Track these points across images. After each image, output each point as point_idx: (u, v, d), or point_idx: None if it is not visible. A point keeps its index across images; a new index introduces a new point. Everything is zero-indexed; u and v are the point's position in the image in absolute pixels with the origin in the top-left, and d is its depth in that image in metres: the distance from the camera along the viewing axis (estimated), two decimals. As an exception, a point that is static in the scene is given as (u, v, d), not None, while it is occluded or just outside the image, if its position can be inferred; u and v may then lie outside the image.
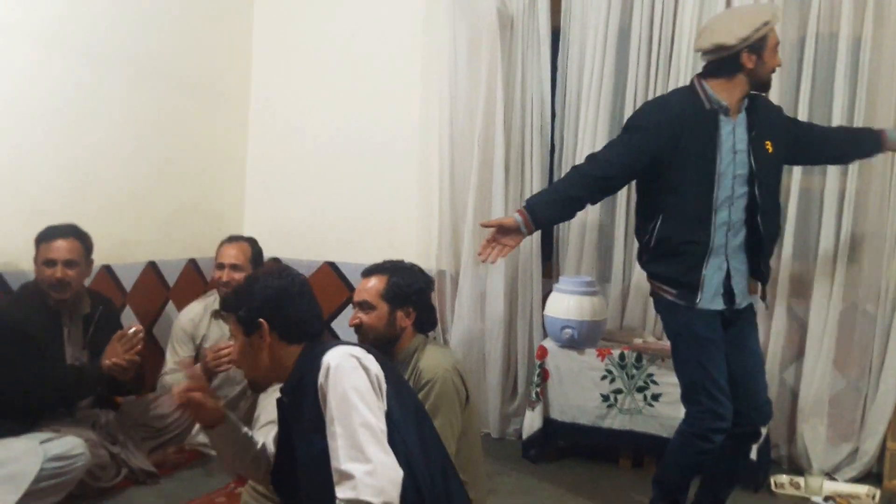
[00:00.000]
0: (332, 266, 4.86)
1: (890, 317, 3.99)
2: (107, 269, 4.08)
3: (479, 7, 4.48)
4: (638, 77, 4.31)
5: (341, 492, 2.00)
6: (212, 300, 4.12)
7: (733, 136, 3.06)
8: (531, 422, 4.16)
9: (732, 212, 3.06)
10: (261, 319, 2.24)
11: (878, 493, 3.77)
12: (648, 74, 4.31)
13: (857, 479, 3.98)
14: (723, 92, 3.06)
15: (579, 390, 4.06)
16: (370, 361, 2.16)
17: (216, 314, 4.03)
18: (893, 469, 3.89)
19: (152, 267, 4.40)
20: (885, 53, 3.98)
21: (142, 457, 3.62)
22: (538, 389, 4.14)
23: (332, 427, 2.06)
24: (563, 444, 4.24)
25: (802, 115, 4.05)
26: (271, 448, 2.46)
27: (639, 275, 4.31)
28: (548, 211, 3.12)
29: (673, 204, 3.08)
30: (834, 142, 3.34)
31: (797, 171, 4.09)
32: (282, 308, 2.27)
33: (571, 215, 3.31)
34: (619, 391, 4.00)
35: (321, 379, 2.11)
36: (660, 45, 4.27)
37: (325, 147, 4.94)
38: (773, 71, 3.09)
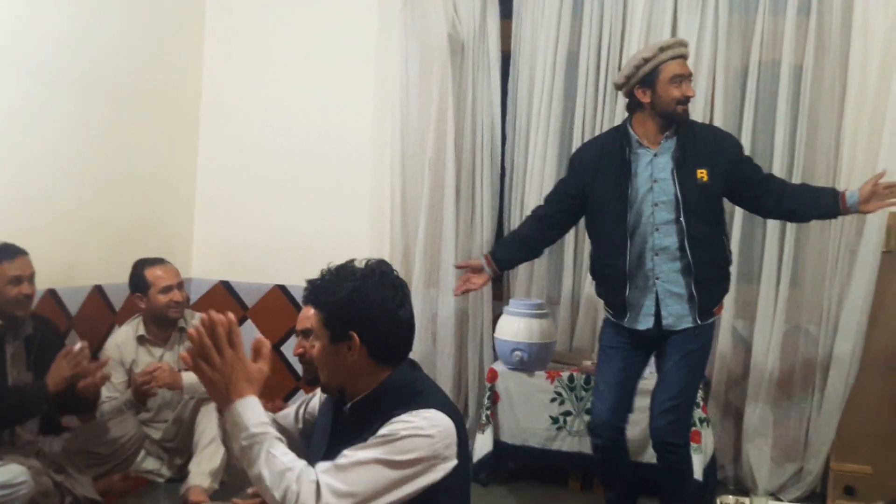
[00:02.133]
0: (282, 289, 4.83)
1: (832, 337, 4.07)
2: (51, 293, 4.00)
3: (431, 31, 4.51)
4: (586, 101, 4.38)
5: (308, 473, 1.86)
6: (135, 323, 4.06)
7: (652, 166, 3.24)
8: (482, 445, 4.17)
9: (658, 238, 3.21)
10: (352, 332, 1.98)
11: (821, 512, 3.85)
12: (597, 99, 4.38)
13: (802, 499, 4.06)
14: (639, 125, 3.29)
15: (529, 413, 4.08)
16: (447, 441, 1.94)
17: (142, 340, 4.00)
18: (837, 489, 3.96)
19: (98, 291, 4.33)
20: (825, 82, 4.08)
21: (87, 484, 3.55)
22: (488, 412, 4.15)
23: (358, 450, 1.90)
24: (513, 467, 4.26)
25: (746, 143, 4.13)
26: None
27: (587, 297, 4.37)
28: (506, 252, 3.35)
29: (597, 231, 3.37)
30: (788, 198, 3.31)
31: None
32: (378, 325, 1.99)
33: (531, 254, 3.58)
34: (568, 413, 4.03)
35: (397, 419, 1.92)
36: (608, 70, 4.34)
37: (276, 167, 4.92)
38: (681, 102, 3.22)
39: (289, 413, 2.46)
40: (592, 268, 3.47)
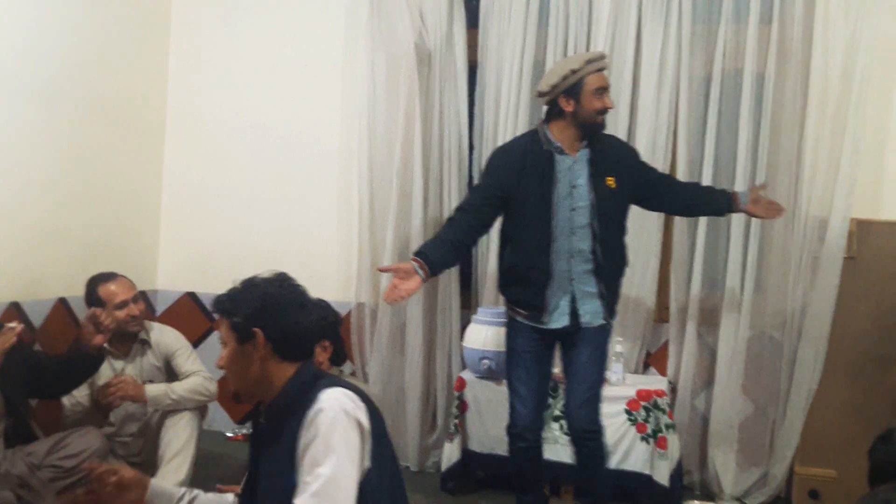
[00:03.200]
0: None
1: (795, 343, 4.11)
2: (14, 306, 3.97)
3: (398, 40, 4.52)
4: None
5: None
6: None
7: (570, 172, 3.40)
8: (450, 454, 4.17)
9: (575, 241, 3.39)
10: (256, 329, 2.14)
11: (786, 516, 3.88)
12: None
13: (767, 504, 4.09)
14: (558, 133, 3.43)
15: (497, 421, 4.06)
16: (363, 415, 2.09)
17: (105, 352, 3.95)
18: (801, 493, 4.00)
19: (63, 303, 4.29)
20: (787, 90, 4.13)
21: (50, 499, 3.51)
22: (457, 421, 4.16)
23: (311, 470, 2.00)
24: (481, 476, 4.26)
25: (709, 150, 4.19)
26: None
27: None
28: (437, 255, 3.36)
29: (518, 234, 3.45)
30: (686, 194, 3.65)
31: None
32: (281, 320, 2.16)
33: (459, 259, 3.62)
34: (536, 421, 4.04)
35: (311, 415, 2.04)
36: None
37: (243, 177, 4.91)
38: (601, 112, 3.39)
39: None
40: (510, 270, 3.50)
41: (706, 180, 4.19)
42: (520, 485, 3.65)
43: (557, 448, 4.00)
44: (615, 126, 4.28)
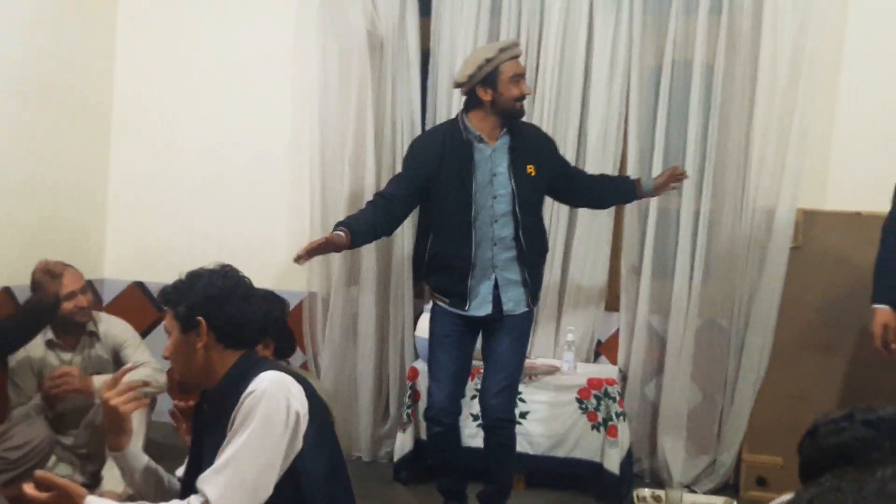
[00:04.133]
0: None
1: (743, 332, 4.17)
2: (-44, 296, 3.89)
3: (349, 28, 4.48)
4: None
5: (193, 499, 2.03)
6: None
7: (490, 160, 3.45)
8: (402, 443, 4.17)
9: (497, 229, 3.44)
10: (200, 318, 2.17)
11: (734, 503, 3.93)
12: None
13: (716, 491, 4.14)
14: (477, 122, 3.47)
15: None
16: (297, 399, 2.11)
17: (51, 344, 3.90)
18: (749, 480, 4.06)
19: (7, 293, 4.21)
20: (736, 80, 4.17)
21: (-5, 490, 3.46)
22: (409, 411, 4.16)
23: (225, 444, 2.06)
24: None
25: (659, 140, 4.22)
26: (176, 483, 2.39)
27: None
28: (360, 228, 3.42)
29: (439, 222, 3.52)
30: (596, 187, 3.72)
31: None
32: (223, 309, 2.19)
33: (371, 240, 3.65)
34: (487, 410, 4.05)
35: (243, 397, 2.07)
36: (525, 66, 4.35)
37: (192, 166, 4.84)
38: (519, 99, 3.43)
39: None
40: (433, 258, 3.55)
41: (656, 169, 4.22)
42: (438, 468, 3.73)
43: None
44: (567, 117, 4.30)
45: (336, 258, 4.50)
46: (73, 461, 3.90)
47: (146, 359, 3.86)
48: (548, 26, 4.33)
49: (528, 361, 4.17)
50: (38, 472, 2.10)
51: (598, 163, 4.26)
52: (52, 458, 3.76)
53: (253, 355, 2.25)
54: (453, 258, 3.47)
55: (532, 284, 3.52)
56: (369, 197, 4.45)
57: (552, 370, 4.11)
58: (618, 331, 4.41)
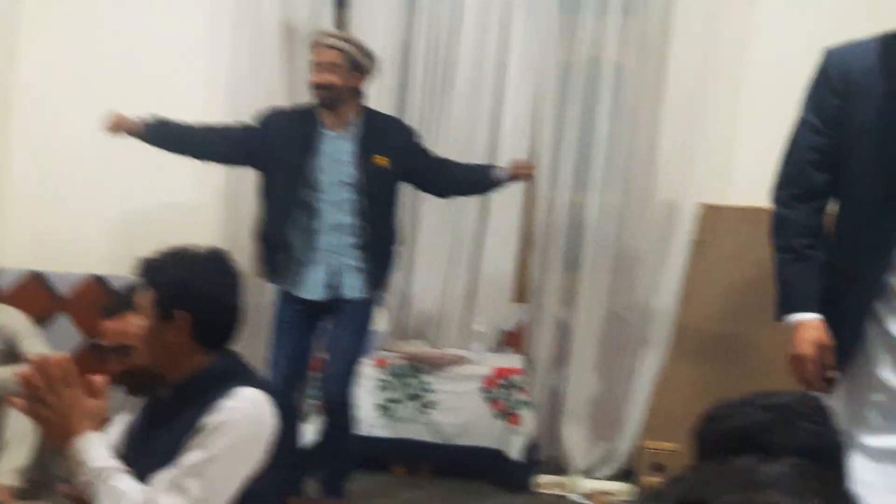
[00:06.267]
0: (99, 280, 4.61)
1: (645, 323, 4.28)
2: None
3: (262, 17, 4.40)
4: (419, 95, 4.40)
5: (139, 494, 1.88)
6: None
7: (335, 147, 3.52)
8: (305, 434, 4.13)
9: (340, 215, 3.50)
10: (180, 312, 1.97)
11: (632, 489, 4.03)
12: (429, 90, 4.40)
13: (614, 477, 4.26)
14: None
15: (355, 400, 4.07)
16: (268, 424, 1.97)
17: None
18: (646, 466, 4.17)
19: None
20: (645, 81, 4.27)
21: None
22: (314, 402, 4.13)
23: (191, 453, 1.90)
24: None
25: (570, 138, 4.29)
26: None
27: (418, 286, 4.41)
28: (160, 132, 3.58)
29: (270, 198, 3.56)
30: (457, 179, 3.76)
31: (564, 185, 4.32)
32: (208, 308, 2.00)
33: (173, 147, 3.68)
34: (395, 400, 4.06)
35: (216, 406, 1.92)
36: (439, 61, 4.37)
37: (98, 154, 4.67)
38: (314, 87, 3.51)
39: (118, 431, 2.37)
40: (267, 237, 3.61)
41: (567, 167, 4.29)
42: None
43: (415, 426, 4.04)
44: (478, 111, 4.32)
45: (245, 248, 4.43)
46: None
47: (43, 350, 3.74)
48: (463, 21, 4.33)
49: (435, 351, 4.22)
50: None
51: (510, 157, 4.29)
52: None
53: (232, 358, 2.09)
54: (276, 236, 3.53)
55: (375, 273, 3.56)
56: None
57: (460, 360, 4.14)
58: (526, 321, 4.47)
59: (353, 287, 3.53)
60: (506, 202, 4.29)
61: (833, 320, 2.34)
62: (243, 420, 1.94)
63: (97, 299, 4.48)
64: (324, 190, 3.48)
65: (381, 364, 4.09)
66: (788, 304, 2.43)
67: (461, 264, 4.38)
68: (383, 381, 4.06)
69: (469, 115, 4.33)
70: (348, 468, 3.70)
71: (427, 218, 4.38)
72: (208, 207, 4.53)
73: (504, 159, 4.28)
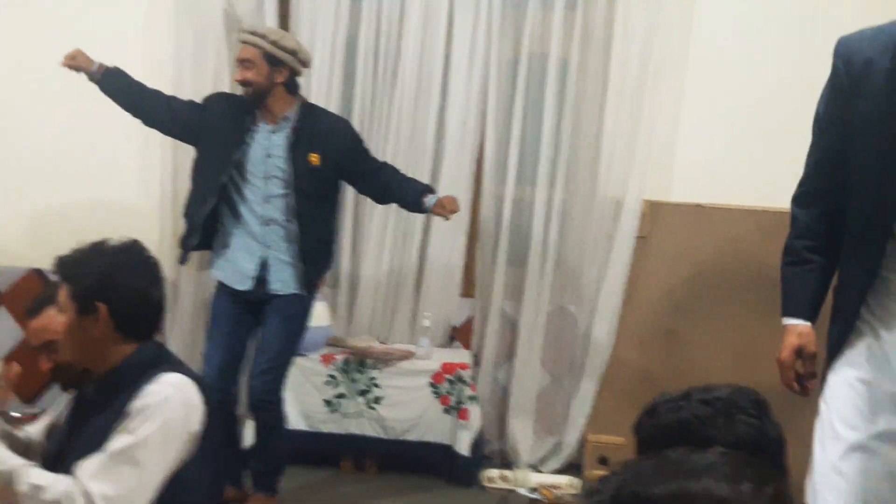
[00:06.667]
0: (38, 274, 4.52)
1: (591, 317, 4.32)
2: None
3: (205, 7, 4.35)
4: (365, 88, 4.37)
5: (74, 491, 1.88)
6: None
7: (268, 140, 3.51)
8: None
9: (269, 209, 3.50)
10: (100, 304, 1.99)
11: (578, 482, 4.08)
12: (375, 83, 4.38)
13: (561, 470, 4.28)
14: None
15: (302, 396, 4.06)
16: (196, 411, 2.00)
17: None
18: (592, 459, 4.23)
19: None
20: (589, 75, 4.30)
21: None
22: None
23: (118, 438, 1.91)
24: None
25: (516, 132, 4.31)
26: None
27: (365, 281, 4.40)
28: (115, 82, 3.58)
29: (196, 178, 3.60)
30: (391, 190, 3.70)
31: (510, 180, 4.34)
32: (130, 298, 2.02)
33: (123, 102, 3.65)
34: (342, 395, 4.05)
35: (142, 393, 1.93)
36: (386, 56, 4.36)
37: (36, 145, 4.58)
38: (240, 84, 3.52)
39: (40, 427, 2.35)
40: (185, 212, 3.66)
41: (513, 159, 4.31)
42: None
43: (362, 422, 4.03)
44: (427, 106, 4.32)
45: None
46: None
47: None
48: (409, 15, 4.31)
49: (383, 347, 4.21)
50: None
51: (456, 152, 4.33)
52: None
53: (153, 347, 2.11)
54: (193, 218, 3.56)
55: (305, 270, 3.54)
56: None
57: (407, 355, 4.15)
58: (473, 316, 4.49)
59: (281, 282, 3.52)
60: (453, 196, 4.29)
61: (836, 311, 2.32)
62: (169, 403, 1.95)
63: (36, 293, 4.39)
64: (253, 182, 3.49)
65: (327, 360, 4.07)
66: (784, 306, 2.41)
67: (409, 259, 4.38)
68: (330, 376, 4.05)
69: (416, 109, 4.32)
70: (280, 465, 3.67)
71: (374, 213, 4.37)
72: (153, 203, 4.46)
73: (450, 154, 4.31)
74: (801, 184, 2.42)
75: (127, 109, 3.66)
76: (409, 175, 3.85)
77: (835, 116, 2.21)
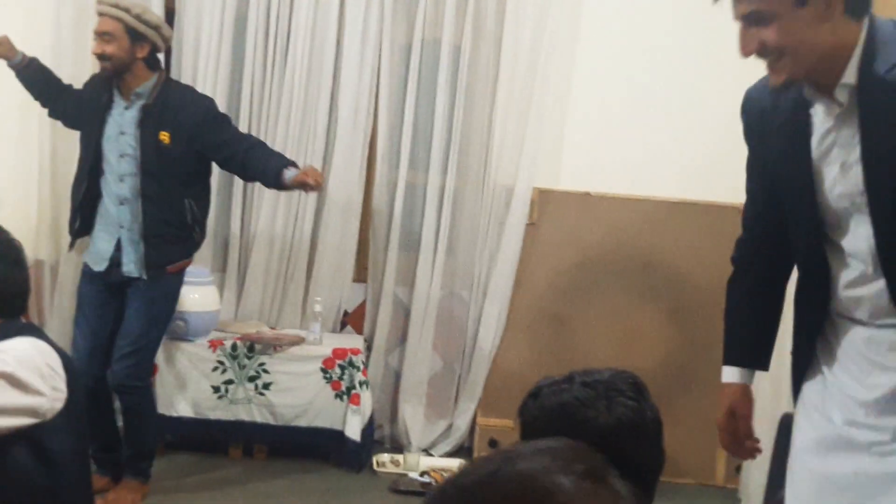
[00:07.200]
0: None
1: (481, 302, 4.37)
2: None
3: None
4: (255, 67, 4.30)
5: None
6: None
7: (122, 118, 3.45)
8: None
9: (122, 188, 3.46)
10: None
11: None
12: (265, 63, 4.31)
13: (452, 454, 4.34)
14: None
15: (190, 383, 3.99)
16: (51, 357, 2.01)
17: None
18: (482, 442, 4.29)
19: None
20: (481, 62, 4.33)
21: None
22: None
23: None
24: (171, 439, 4.11)
25: (408, 117, 4.31)
26: None
27: (254, 266, 4.34)
28: (32, 69, 3.57)
29: (78, 167, 3.57)
30: (249, 163, 3.52)
31: (403, 166, 4.35)
32: None
33: (35, 89, 3.65)
34: (230, 381, 3.99)
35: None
36: (276, 36, 4.29)
37: None
38: (98, 58, 3.46)
39: None
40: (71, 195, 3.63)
41: (405, 145, 4.32)
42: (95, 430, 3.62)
43: (251, 408, 3.99)
44: (318, 90, 4.27)
45: (64, 225, 4.23)
46: None
47: None
48: (299, -4, 4.27)
49: (272, 332, 4.17)
50: None
51: (348, 136, 4.30)
52: None
53: (16, 323, 2.12)
54: (76, 205, 3.52)
55: (152, 252, 3.44)
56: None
57: (298, 341, 4.11)
58: (364, 301, 4.48)
59: (132, 263, 3.46)
60: (346, 180, 4.28)
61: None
62: (18, 343, 1.98)
63: None
64: (110, 160, 3.44)
65: (215, 345, 4.00)
66: (724, 353, 2.16)
67: (300, 243, 4.34)
68: (219, 362, 3.98)
69: (308, 92, 4.28)
70: (150, 451, 3.62)
71: (264, 195, 4.30)
72: (31, 181, 4.29)
73: (343, 139, 4.28)
74: (743, 227, 2.21)
75: (37, 98, 3.67)
76: (291, 157, 3.72)
77: (753, 170, 2.11)
